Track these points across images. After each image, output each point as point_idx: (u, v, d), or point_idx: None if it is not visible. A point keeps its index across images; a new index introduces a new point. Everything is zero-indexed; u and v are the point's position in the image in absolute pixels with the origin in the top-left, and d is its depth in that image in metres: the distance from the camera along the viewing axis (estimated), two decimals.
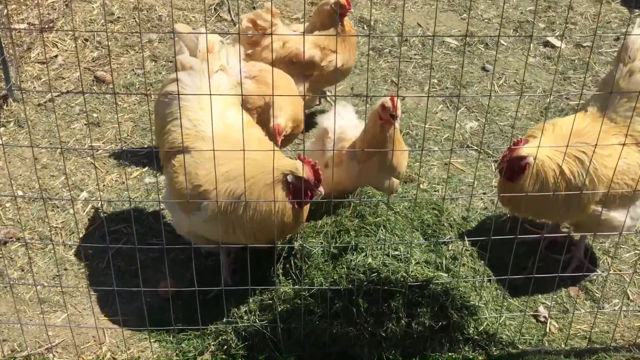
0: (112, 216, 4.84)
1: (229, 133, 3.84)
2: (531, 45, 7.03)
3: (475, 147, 5.52)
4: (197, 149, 3.80)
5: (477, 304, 3.63)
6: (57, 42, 6.92)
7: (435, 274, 3.55)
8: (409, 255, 3.58)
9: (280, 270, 3.77)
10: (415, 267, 3.54)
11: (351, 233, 3.71)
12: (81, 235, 4.65)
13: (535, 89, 6.33)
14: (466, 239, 3.95)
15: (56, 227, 4.73)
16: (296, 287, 3.61)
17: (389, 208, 3.84)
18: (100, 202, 4.88)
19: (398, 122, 3.84)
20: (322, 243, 3.73)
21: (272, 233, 3.57)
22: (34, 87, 6.27)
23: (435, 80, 6.44)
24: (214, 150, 3.18)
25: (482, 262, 4.03)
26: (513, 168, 3.89)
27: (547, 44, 7.02)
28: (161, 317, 4.04)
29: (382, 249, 3.57)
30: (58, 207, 4.89)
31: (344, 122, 4.41)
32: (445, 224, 3.94)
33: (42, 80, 6.33)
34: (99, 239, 4.61)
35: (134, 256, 4.39)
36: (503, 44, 7.06)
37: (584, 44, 7.03)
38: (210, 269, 4.39)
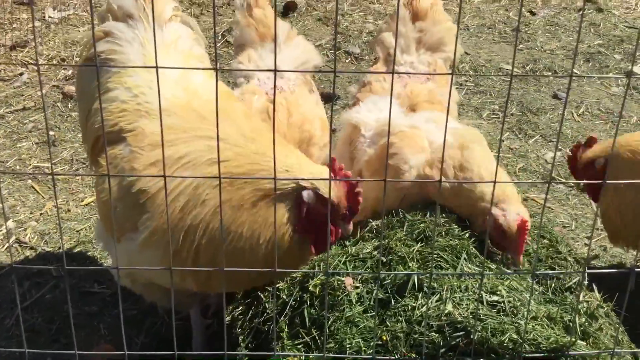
0: (41, 254, 3.29)
1: (192, 103, 2.34)
2: (611, 74, 5.63)
3: (566, 181, 3.97)
4: (137, 131, 2.29)
5: None
6: (27, 61, 5.64)
7: (571, 339, 1.92)
8: (517, 303, 1.97)
9: (285, 329, 2.16)
10: (532, 326, 1.92)
11: (410, 264, 2.12)
12: None
13: (628, 119, 4.85)
14: (595, 288, 2.35)
15: None
16: (314, 355, 1.99)
17: (471, 227, 2.27)
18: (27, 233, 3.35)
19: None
20: (359, 282, 2.14)
21: (250, 274, 2.03)
22: None
23: (496, 106, 4.99)
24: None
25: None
26: None
27: (630, 73, 5.61)
28: None
29: (470, 290, 1.97)
30: None
31: (383, 115, 2.93)
32: (569, 259, 2.33)
33: None
34: (10, 284, 3.04)
35: (57, 310, 2.81)
36: (576, 72, 5.65)
37: None
38: (178, 330, 2.77)
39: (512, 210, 2.30)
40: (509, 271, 2.12)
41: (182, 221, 2.05)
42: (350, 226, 2.11)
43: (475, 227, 2.41)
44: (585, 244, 3.43)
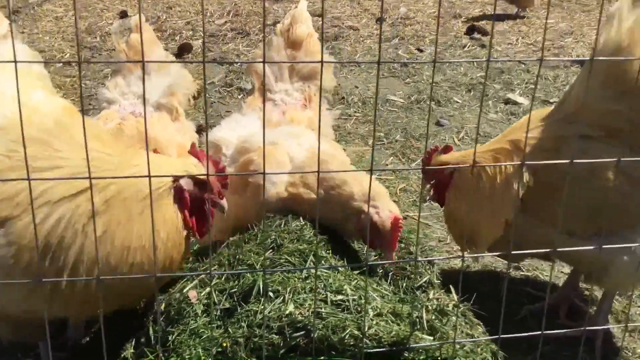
0: None
1: (32, 118, 2.26)
2: (490, 102, 5.90)
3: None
4: None
5: None
6: None
7: (413, 333, 1.92)
8: (361, 301, 1.96)
9: (131, 350, 2.05)
10: (376, 322, 1.91)
11: (258, 271, 2.08)
12: None
13: None
14: (452, 289, 2.38)
15: None
16: None
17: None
18: None
19: None
20: (204, 293, 2.07)
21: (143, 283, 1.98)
22: None
23: (382, 134, 5.11)
24: None
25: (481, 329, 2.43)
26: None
27: (508, 101, 5.91)
28: None
29: (315, 291, 1.95)
30: None
31: (246, 131, 2.93)
32: (420, 258, 2.35)
33: None
34: None
35: None
36: (457, 102, 5.90)
37: (551, 100, 5.94)
38: None
39: (384, 208, 2.34)
40: (340, 265, 2.12)
41: (41, 228, 1.93)
42: (224, 201, 2.27)
43: (347, 231, 2.42)
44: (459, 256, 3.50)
